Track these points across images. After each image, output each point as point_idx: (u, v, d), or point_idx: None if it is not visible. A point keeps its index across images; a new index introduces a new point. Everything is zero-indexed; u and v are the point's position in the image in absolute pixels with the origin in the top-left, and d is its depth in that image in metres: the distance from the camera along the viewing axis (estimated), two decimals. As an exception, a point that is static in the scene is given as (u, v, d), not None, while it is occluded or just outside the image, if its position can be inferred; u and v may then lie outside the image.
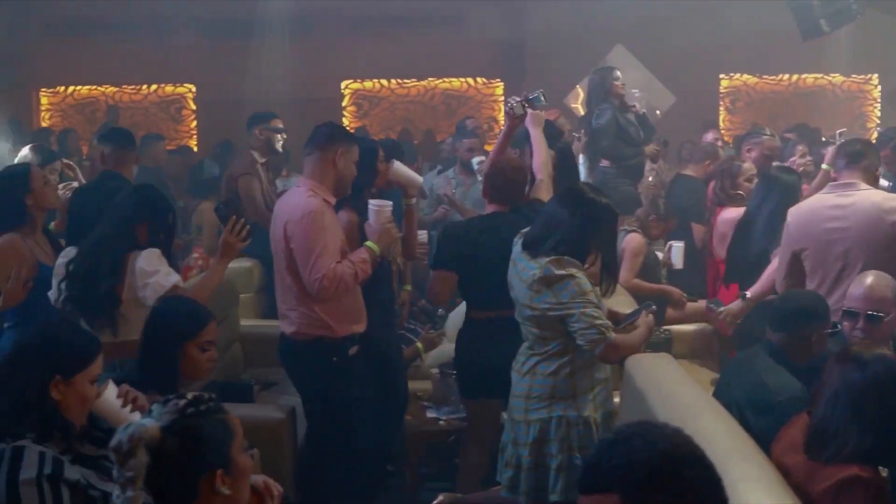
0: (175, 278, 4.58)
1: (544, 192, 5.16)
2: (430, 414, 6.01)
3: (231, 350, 6.58)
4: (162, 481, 2.50)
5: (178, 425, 2.53)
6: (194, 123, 15.73)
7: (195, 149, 14.63)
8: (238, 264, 6.69)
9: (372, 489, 5.49)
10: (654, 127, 8.70)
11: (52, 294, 4.59)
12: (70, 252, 4.67)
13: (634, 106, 8.10)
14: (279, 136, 7.65)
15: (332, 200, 4.93)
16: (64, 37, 14.64)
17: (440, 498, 4.43)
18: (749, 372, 4.20)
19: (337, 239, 4.86)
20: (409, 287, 6.41)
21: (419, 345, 6.55)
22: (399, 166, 5.66)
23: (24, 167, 5.36)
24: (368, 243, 4.95)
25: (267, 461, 4.42)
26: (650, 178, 8.07)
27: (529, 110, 5.48)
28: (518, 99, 5.46)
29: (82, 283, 4.54)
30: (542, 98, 5.51)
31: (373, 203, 5.05)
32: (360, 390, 5.04)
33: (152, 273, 4.54)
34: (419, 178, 6.01)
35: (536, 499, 4.25)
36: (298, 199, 4.83)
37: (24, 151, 7.02)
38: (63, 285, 4.59)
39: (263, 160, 7.57)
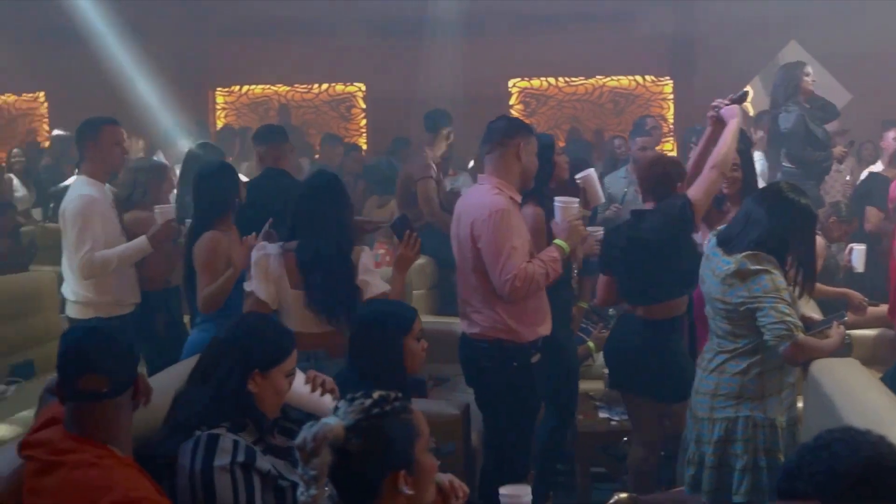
0: (386, 287, 4.68)
1: (702, 190, 4.93)
2: (602, 414, 5.99)
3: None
4: (345, 479, 2.53)
5: (362, 425, 2.53)
6: (364, 122, 16.02)
7: (364, 147, 14.90)
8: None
9: (543, 488, 5.50)
10: (838, 109, 8.43)
11: (248, 285, 4.68)
12: (269, 248, 4.71)
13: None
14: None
15: (518, 198, 4.82)
16: (239, 37, 15.12)
17: (616, 497, 4.41)
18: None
19: (525, 238, 4.77)
20: (584, 304, 6.24)
21: (591, 344, 6.53)
22: (593, 175, 5.66)
23: (223, 163, 5.55)
24: (558, 241, 4.83)
25: (438, 456, 4.47)
26: (847, 177, 7.85)
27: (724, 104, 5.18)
28: (725, 102, 5.13)
29: (322, 275, 4.57)
30: (747, 94, 5.38)
31: (559, 200, 4.93)
32: (537, 394, 5.04)
33: (373, 273, 4.65)
34: (602, 196, 5.98)
35: (718, 498, 4.21)
36: (484, 198, 4.72)
37: (192, 147, 7.29)
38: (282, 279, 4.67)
39: (439, 160, 7.69)
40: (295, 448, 2.48)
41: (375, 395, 2.59)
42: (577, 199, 5.05)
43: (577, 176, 5.64)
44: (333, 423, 2.51)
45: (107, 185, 5.89)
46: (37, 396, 5.86)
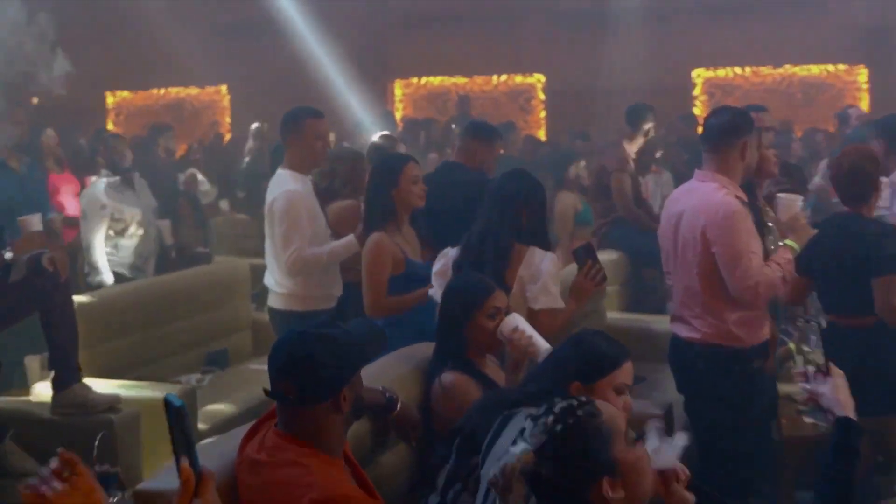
0: (557, 304, 4.59)
1: None
2: (808, 419, 5.77)
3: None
4: (549, 503, 2.44)
5: (549, 447, 2.42)
6: (543, 113, 15.96)
7: (543, 138, 14.84)
8: (604, 257, 6.70)
9: (744, 492, 5.33)
10: None
11: (434, 293, 4.66)
12: (449, 252, 4.69)
13: None
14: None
15: (744, 197, 4.61)
16: (419, 29, 15.27)
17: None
18: None
19: (759, 240, 4.58)
20: None
21: (792, 346, 6.30)
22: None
23: (400, 159, 5.40)
24: (788, 242, 4.65)
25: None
26: None
27: None
28: None
29: (470, 268, 4.51)
30: None
31: (783, 197, 4.75)
32: (761, 402, 4.87)
33: (551, 281, 4.53)
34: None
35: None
36: (713, 198, 4.53)
37: (375, 138, 7.31)
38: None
39: (635, 155, 7.58)
40: (489, 485, 2.43)
41: (557, 408, 2.48)
42: (801, 196, 4.85)
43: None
44: (519, 451, 2.41)
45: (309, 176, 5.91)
46: (232, 385, 6.12)
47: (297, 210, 5.53)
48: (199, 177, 10.93)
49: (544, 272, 4.52)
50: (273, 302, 5.79)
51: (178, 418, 2.05)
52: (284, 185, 5.62)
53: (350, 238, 5.53)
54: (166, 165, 10.70)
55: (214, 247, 9.38)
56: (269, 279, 5.79)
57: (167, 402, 2.04)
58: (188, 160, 11.83)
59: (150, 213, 7.62)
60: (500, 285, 4.39)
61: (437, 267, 4.69)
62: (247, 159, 11.85)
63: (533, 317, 4.40)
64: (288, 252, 5.49)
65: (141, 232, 7.38)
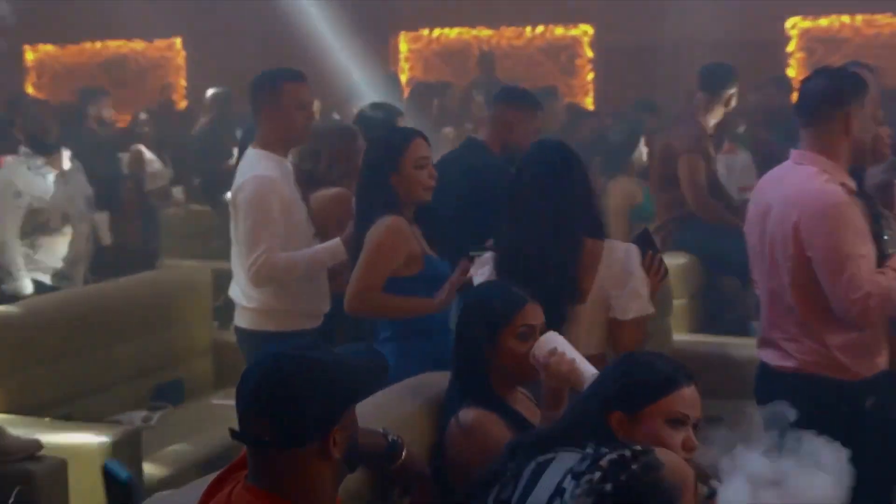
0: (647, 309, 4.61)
1: None
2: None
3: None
4: None
5: None
6: (590, 76, 16.00)
7: (590, 108, 14.85)
8: (671, 262, 6.70)
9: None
10: None
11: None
12: (487, 259, 4.69)
13: None
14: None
15: (853, 185, 4.57)
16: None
17: None
18: None
19: (870, 241, 4.54)
20: None
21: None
22: None
23: (403, 134, 5.37)
24: None
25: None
26: None
27: None
28: None
29: (531, 272, 4.49)
30: None
31: None
32: (865, 450, 4.86)
33: (641, 282, 4.57)
34: None
35: None
36: (810, 186, 4.50)
37: (364, 111, 7.11)
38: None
39: (713, 130, 7.58)
40: None
41: (605, 460, 2.53)
42: None
43: None
44: None
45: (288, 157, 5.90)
46: (188, 424, 6.13)
47: (268, 201, 5.50)
48: (147, 155, 10.95)
49: (634, 271, 4.55)
50: (241, 320, 5.79)
51: (123, 496, 2.04)
52: (253, 168, 5.62)
53: (335, 242, 5.54)
54: (103, 141, 10.72)
55: (166, 247, 9.41)
56: (236, 290, 5.79)
57: (108, 474, 2.04)
58: (132, 134, 11.85)
59: (83, 204, 7.64)
60: (571, 295, 4.43)
61: (479, 279, 4.69)
62: (198, 134, 11.90)
63: (618, 330, 4.51)
64: (253, 255, 5.46)
65: (69, 228, 7.40)
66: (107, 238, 7.91)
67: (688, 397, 3.27)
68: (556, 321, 4.22)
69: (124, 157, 10.46)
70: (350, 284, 5.04)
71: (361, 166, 5.36)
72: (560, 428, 3.27)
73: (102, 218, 7.93)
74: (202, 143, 11.63)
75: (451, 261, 5.02)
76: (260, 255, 5.45)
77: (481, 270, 4.69)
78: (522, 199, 4.64)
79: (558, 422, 3.35)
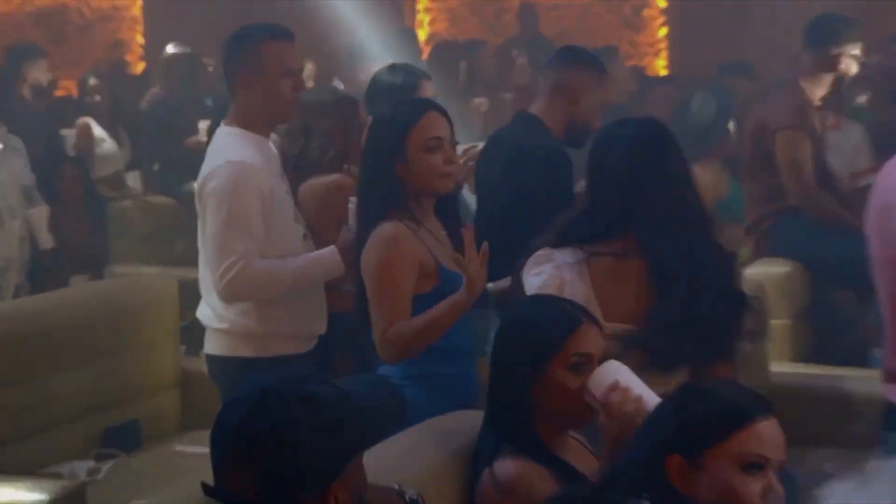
0: None
1: None
2: None
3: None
4: None
5: None
6: (663, 31, 16.08)
7: (662, 73, 14.89)
8: (769, 270, 6.74)
9: None
10: None
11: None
12: (558, 256, 4.61)
13: None
14: None
15: None
16: None
17: None
18: None
19: None
20: None
21: None
22: None
23: (410, 108, 5.36)
24: None
25: None
26: None
27: None
28: None
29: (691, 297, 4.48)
30: None
31: None
32: None
33: None
34: None
35: None
36: None
37: (381, 75, 6.96)
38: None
39: (819, 103, 7.59)
40: None
41: None
42: None
43: None
44: None
45: (272, 137, 5.92)
46: (146, 477, 6.15)
47: (244, 194, 5.49)
48: (97, 130, 10.95)
49: None
50: (212, 345, 5.82)
51: None
52: (226, 152, 5.62)
53: (329, 252, 5.56)
54: (39, 113, 10.77)
55: (119, 250, 9.45)
56: (205, 309, 5.82)
57: None
58: (76, 104, 11.89)
59: (16, 196, 7.68)
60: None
61: (535, 280, 4.65)
62: (150, 106, 11.93)
63: None
64: (224, 263, 5.44)
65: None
66: (46, 240, 7.89)
67: (766, 434, 3.27)
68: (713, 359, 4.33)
69: (68, 134, 10.46)
70: (375, 331, 5.01)
71: (363, 151, 5.39)
72: (608, 479, 3.30)
73: (39, 215, 7.92)
74: (155, 118, 11.67)
75: (494, 271, 4.95)
76: (233, 264, 5.41)
77: (537, 270, 4.65)
78: (658, 194, 4.57)
79: (607, 471, 3.40)
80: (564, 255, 4.58)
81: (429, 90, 6.73)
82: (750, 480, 3.22)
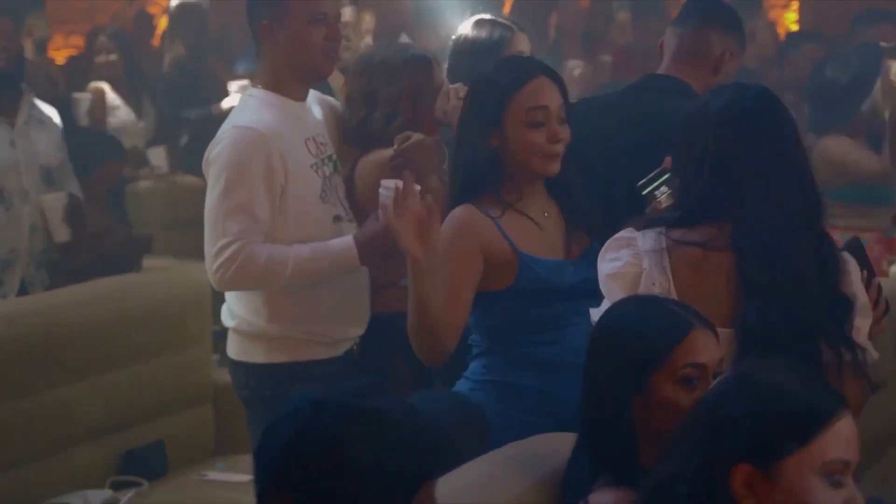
0: None
1: None
2: None
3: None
4: None
5: None
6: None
7: (792, 27, 14.84)
8: None
9: None
10: None
11: (595, 313, 4.70)
12: (638, 239, 4.61)
13: None
14: None
15: None
16: None
17: None
18: None
19: None
20: None
21: None
22: None
23: (512, 72, 5.21)
24: None
25: None
26: None
27: None
28: None
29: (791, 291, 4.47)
30: None
31: None
32: None
33: (864, 310, 4.52)
34: None
35: None
36: None
37: (463, 28, 6.81)
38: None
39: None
40: None
41: None
42: None
43: None
44: None
45: (309, 100, 5.93)
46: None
47: (247, 166, 5.51)
48: (111, 97, 10.99)
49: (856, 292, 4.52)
50: (232, 348, 5.87)
51: None
52: (237, 116, 5.71)
53: (344, 242, 5.58)
54: (39, 76, 10.83)
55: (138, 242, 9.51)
56: (224, 311, 5.88)
57: None
58: (86, 66, 11.94)
59: (35, 178, 7.73)
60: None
61: (609, 266, 4.66)
62: (172, 68, 11.96)
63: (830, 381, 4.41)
64: (217, 244, 5.48)
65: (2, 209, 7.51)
66: (62, 232, 7.87)
67: (844, 434, 3.27)
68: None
69: (80, 99, 10.49)
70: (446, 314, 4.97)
71: (459, 120, 5.38)
72: (648, 496, 3.31)
73: (55, 201, 7.88)
74: (177, 81, 11.77)
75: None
76: (227, 245, 5.44)
77: (614, 255, 4.61)
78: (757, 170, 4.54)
79: (644, 486, 3.42)
80: (647, 241, 4.54)
81: (523, 44, 6.61)
82: (833, 493, 3.21)
